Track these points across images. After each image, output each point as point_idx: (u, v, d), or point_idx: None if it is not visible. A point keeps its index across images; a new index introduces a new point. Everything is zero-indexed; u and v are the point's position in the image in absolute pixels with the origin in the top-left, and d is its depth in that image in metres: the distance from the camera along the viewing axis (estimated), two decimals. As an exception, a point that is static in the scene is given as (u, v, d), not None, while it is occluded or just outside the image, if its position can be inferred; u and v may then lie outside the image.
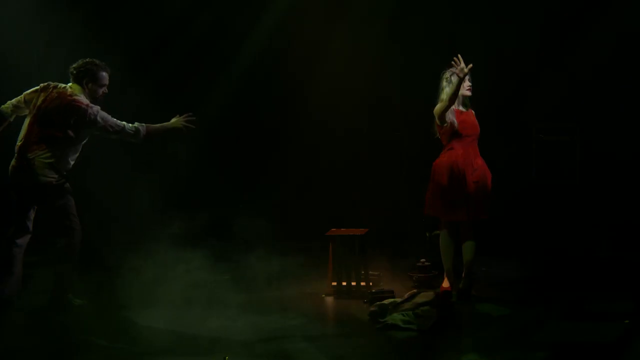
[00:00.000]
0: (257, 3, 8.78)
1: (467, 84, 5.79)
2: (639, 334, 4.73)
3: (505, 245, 7.47)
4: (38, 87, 5.56)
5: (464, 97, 5.84)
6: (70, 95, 5.44)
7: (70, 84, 5.53)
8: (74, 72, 5.52)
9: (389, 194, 8.46)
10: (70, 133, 5.37)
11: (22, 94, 5.61)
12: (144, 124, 5.60)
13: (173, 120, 5.74)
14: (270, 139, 8.94)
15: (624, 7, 7.90)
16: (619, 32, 7.94)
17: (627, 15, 7.90)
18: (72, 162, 5.52)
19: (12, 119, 5.66)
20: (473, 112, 5.94)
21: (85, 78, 5.50)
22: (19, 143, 5.46)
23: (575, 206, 8.12)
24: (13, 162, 5.46)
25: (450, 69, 5.81)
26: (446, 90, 5.78)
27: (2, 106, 5.62)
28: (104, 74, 5.56)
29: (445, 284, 5.94)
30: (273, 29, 8.78)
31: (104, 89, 5.58)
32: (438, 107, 5.79)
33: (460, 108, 5.83)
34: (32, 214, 5.45)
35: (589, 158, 8.27)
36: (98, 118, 5.41)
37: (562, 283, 6.32)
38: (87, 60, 5.54)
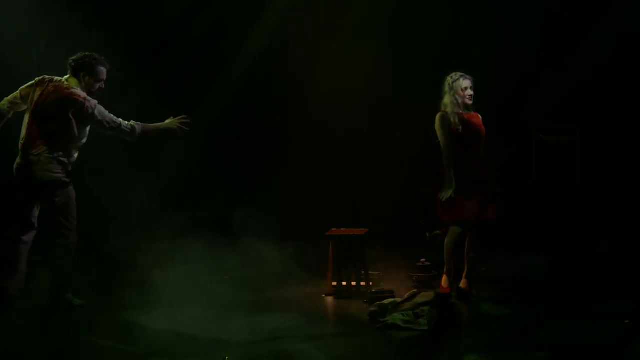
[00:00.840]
0: (257, 3, 8.79)
1: (468, 92, 5.77)
2: (639, 334, 4.73)
3: (506, 245, 7.47)
4: (33, 81, 5.54)
5: (465, 104, 5.82)
6: (67, 89, 5.43)
7: (66, 77, 5.53)
8: (73, 64, 5.51)
9: (389, 194, 8.46)
10: (69, 126, 5.36)
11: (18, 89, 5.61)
12: (139, 123, 5.61)
13: (168, 121, 5.75)
14: (270, 139, 8.94)
15: (624, 7, 7.91)
16: (619, 32, 7.95)
17: (627, 15, 7.91)
18: (75, 156, 5.53)
19: (10, 116, 5.65)
20: (479, 115, 5.93)
21: (83, 71, 5.49)
22: (21, 141, 5.45)
23: (575, 206, 8.13)
24: (18, 159, 5.46)
25: (452, 75, 5.80)
26: (448, 96, 5.78)
27: None
28: (102, 68, 5.55)
29: (445, 284, 5.92)
30: (273, 29, 8.79)
31: (101, 84, 5.57)
32: (438, 121, 5.78)
33: (462, 111, 5.81)
34: (36, 211, 5.45)
35: (589, 158, 8.29)
36: (95, 112, 5.41)
37: (562, 283, 6.31)
38: (86, 53, 5.54)
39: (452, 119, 5.74)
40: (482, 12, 8.41)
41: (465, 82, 5.78)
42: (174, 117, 5.76)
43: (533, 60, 8.40)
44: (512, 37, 8.26)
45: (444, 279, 5.94)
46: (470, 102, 5.81)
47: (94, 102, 5.45)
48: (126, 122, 5.55)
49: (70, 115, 5.37)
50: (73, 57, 5.54)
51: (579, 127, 8.38)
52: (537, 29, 8.34)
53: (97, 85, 5.56)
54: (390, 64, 8.64)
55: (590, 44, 8.02)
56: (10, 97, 5.60)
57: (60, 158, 5.40)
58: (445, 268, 5.93)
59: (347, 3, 8.65)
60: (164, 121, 5.76)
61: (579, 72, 8.01)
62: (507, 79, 8.16)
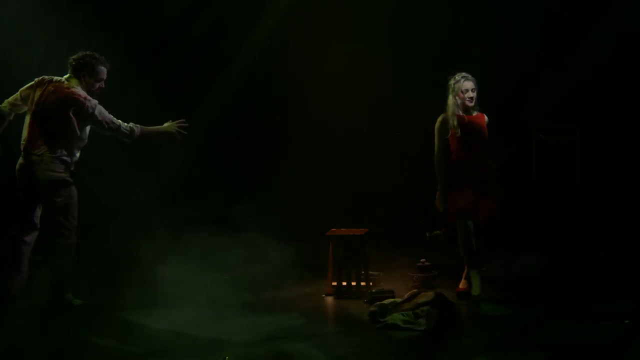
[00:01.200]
0: (257, 3, 8.79)
1: (469, 94, 5.72)
2: (639, 334, 4.73)
3: (506, 245, 7.46)
4: (33, 82, 5.55)
5: (465, 106, 5.78)
6: (68, 88, 5.44)
7: (66, 76, 5.53)
8: (73, 63, 5.51)
9: (389, 194, 8.46)
10: (70, 126, 5.37)
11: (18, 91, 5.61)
12: (138, 125, 5.61)
13: (166, 124, 5.74)
14: (270, 139, 8.94)
15: (624, 7, 7.91)
16: (619, 32, 7.95)
17: (627, 15, 7.91)
18: (77, 155, 5.54)
19: (11, 118, 5.65)
20: (484, 116, 5.87)
21: (83, 70, 5.50)
22: (23, 142, 5.46)
23: (575, 206, 8.12)
24: (20, 160, 5.46)
25: (455, 76, 5.77)
26: (450, 97, 5.75)
27: (0, 105, 5.60)
28: (102, 68, 5.56)
29: (464, 285, 5.89)
30: (273, 29, 8.79)
31: (101, 84, 5.57)
32: (436, 125, 5.76)
33: (463, 112, 5.77)
34: (38, 211, 5.47)
35: (589, 158, 8.28)
36: (96, 112, 5.41)
37: (562, 283, 6.31)
38: (87, 52, 5.54)
39: (451, 122, 5.72)
40: (482, 12, 8.41)
41: (466, 84, 5.72)
42: (173, 120, 5.76)
43: (533, 60, 8.40)
44: (512, 37, 8.26)
45: (464, 280, 5.90)
46: (470, 104, 5.75)
47: (95, 101, 5.45)
48: (125, 123, 5.56)
49: (71, 114, 5.37)
50: (73, 57, 5.54)
51: (579, 127, 8.37)
52: (537, 29, 8.34)
53: (97, 85, 5.56)
54: (390, 64, 8.64)
55: (590, 44, 8.02)
56: (10, 98, 5.60)
57: (63, 157, 5.40)
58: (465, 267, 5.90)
59: (347, 3, 8.66)
60: (163, 122, 5.77)
61: (579, 72, 8.01)
62: (507, 79, 8.15)
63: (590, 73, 7.99)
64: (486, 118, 5.90)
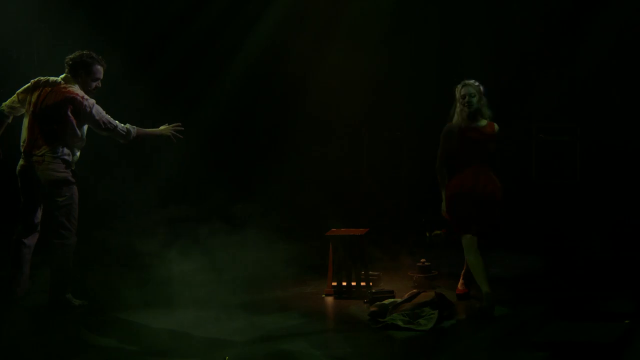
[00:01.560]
0: (257, 3, 8.80)
1: (466, 100, 5.56)
2: (639, 334, 4.73)
3: (506, 245, 7.46)
4: (29, 84, 5.54)
5: (469, 113, 5.64)
6: (65, 88, 5.44)
7: (62, 76, 5.52)
8: (70, 62, 5.51)
9: (389, 194, 8.47)
10: (70, 125, 5.37)
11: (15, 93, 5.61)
12: (135, 127, 5.62)
13: (162, 127, 5.77)
14: (269, 138, 8.95)
15: (624, 7, 7.92)
16: (619, 32, 7.96)
17: (627, 15, 7.92)
18: (78, 154, 5.54)
19: (10, 120, 5.64)
20: (494, 125, 5.70)
21: (80, 70, 5.49)
22: (23, 143, 5.46)
23: (575, 206, 8.13)
24: (21, 161, 5.46)
25: (457, 86, 5.69)
26: (456, 107, 5.68)
27: None
28: (99, 67, 5.55)
29: (462, 286, 5.89)
30: (273, 30, 8.80)
31: (98, 83, 5.57)
32: (442, 132, 5.70)
33: (467, 120, 5.68)
34: (39, 213, 5.48)
35: (589, 158, 8.29)
36: (93, 111, 5.41)
37: (562, 283, 6.32)
38: (84, 52, 5.54)
39: (454, 131, 5.64)
40: (482, 12, 8.41)
41: (464, 90, 5.60)
42: (169, 124, 5.78)
43: (533, 60, 8.41)
44: (512, 37, 8.27)
45: (461, 282, 5.89)
46: (467, 109, 5.59)
47: (92, 101, 5.46)
48: (122, 124, 5.56)
49: (69, 114, 5.37)
50: (70, 56, 5.54)
51: (579, 127, 8.38)
52: (537, 29, 8.35)
53: (94, 85, 5.56)
54: (391, 63, 8.64)
55: (590, 44, 8.03)
56: (8, 101, 5.60)
57: (64, 157, 5.41)
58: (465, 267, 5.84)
59: (348, 3, 8.66)
60: (162, 122, 5.79)
61: (579, 72, 8.02)
62: (507, 79, 8.16)
63: (590, 73, 8.00)
64: (496, 127, 5.72)
